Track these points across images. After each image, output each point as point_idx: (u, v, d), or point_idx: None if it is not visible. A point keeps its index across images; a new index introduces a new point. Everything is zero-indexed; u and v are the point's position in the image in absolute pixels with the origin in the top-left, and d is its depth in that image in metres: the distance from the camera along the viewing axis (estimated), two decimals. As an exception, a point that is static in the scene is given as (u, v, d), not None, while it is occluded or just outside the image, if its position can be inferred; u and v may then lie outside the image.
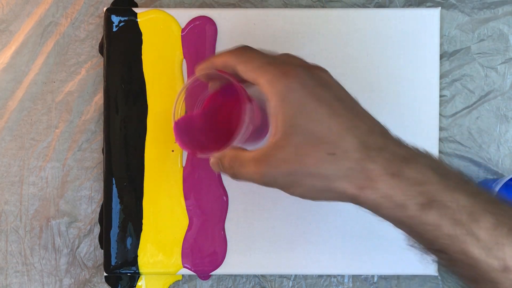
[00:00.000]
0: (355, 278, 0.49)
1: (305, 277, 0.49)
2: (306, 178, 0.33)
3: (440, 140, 0.49)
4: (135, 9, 0.48)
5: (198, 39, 0.48)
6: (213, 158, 0.38)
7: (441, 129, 0.49)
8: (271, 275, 0.50)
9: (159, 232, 0.48)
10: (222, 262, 0.48)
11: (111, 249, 0.48)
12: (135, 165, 0.48)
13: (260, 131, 0.42)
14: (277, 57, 0.37)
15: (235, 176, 0.36)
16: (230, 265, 0.48)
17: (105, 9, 0.48)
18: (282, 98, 0.33)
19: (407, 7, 0.50)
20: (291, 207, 0.48)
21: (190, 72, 0.48)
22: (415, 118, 0.48)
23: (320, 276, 0.49)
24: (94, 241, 0.50)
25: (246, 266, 0.48)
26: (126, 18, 0.48)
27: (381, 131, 0.34)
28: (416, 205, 0.32)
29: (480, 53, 0.50)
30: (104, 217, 0.48)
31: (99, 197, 0.50)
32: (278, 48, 0.48)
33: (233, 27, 0.48)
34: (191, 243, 0.48)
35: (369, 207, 0.33)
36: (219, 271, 0.48)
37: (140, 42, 0.48)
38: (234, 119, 0.40)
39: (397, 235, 0.48)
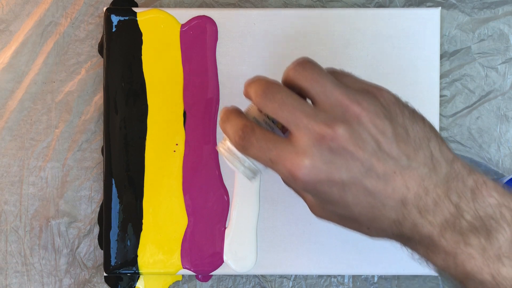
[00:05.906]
0: (355, 278, 0.49)
1: (305, 277, 0.49)
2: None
3: (440, 140, 0.49)
4: (135, 9, 0.48)
5: (198, 39, 0.48)
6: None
7: (441, 129, 0.49)
8: (271, 275, 0.49)
9: (159, 232, 0.48)
10: (223, 262, 0.48)
11: (111, 249, 0.48)
12: (135, 165, 0.48)
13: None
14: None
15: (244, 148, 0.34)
16: (230, 265, 0.48)
17: (105, 9, 0.48)
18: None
19: (407, 7, 0.50)
20: (291, 207, 0.48)
21: (187, 71, 0.48)
22: (415, 118, 0.48)
23: (320, 276, 0.49)
24: (94, 241, 0.50)
25: (246, 266, 0.48)
26: (126, 18, 0.48)
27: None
28: None
29: (480, 53, 0.50)
30: (104, 217, 0.48)
31: (99, 197, 0.50)
32: (278, 48, 0.48)
33: (233, 27, 0.48)
34: (191, 243, 0.48)
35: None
36: (219, 271, 0.48)
37: (140, 42, 0.48)
38: None
39: (397, 235, 0.48)
